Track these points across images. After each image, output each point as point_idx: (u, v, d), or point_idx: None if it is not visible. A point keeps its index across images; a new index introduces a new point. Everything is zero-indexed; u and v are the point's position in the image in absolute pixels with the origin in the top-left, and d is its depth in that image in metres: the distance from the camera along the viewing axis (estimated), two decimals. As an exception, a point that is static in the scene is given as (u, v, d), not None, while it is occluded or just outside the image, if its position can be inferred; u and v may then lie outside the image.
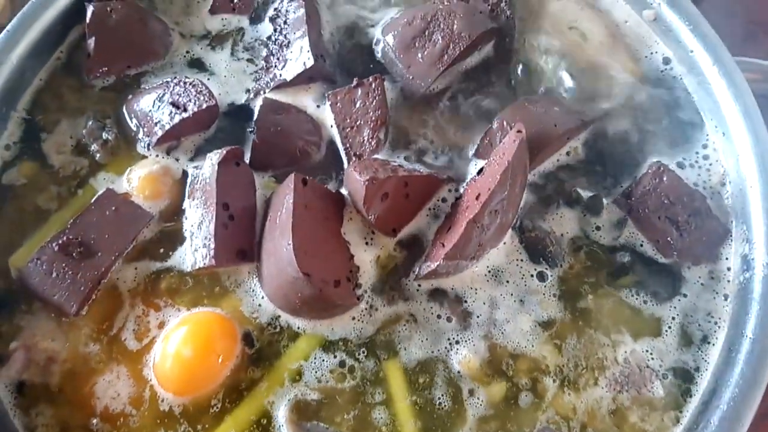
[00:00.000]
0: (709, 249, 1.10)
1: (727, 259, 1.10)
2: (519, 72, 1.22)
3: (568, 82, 1.20)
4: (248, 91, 1.22)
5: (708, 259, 1.10)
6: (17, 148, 1.19)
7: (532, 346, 1.06)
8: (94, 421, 1.02)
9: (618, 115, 1.19)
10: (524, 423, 1.02)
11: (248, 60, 1.26)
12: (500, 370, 1.05)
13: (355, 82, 1.17)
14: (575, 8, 1.25)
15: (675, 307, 1.08)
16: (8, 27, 1.19)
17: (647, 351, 1.06)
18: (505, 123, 1.12)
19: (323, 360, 1.05)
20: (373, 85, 1.16)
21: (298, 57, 1.20)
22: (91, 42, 1.21)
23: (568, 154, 1.17)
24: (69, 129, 1.20)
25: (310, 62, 1.18)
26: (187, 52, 1.27)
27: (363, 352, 1.05)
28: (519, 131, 1.05)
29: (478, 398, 1.03)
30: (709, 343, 1.06)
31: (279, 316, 1.07)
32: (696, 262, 1.10)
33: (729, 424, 0.97)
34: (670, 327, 1.07)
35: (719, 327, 1.07)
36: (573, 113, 1.16)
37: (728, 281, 1.09)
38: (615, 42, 1.23)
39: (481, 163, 1.14)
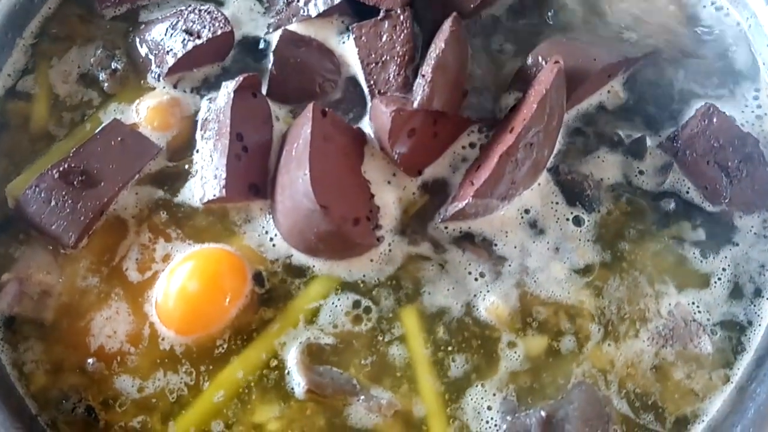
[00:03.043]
0: (761, 197, 1.02)
1: (782, 208, 1.02)
2: (556, 10, 1.14)
3: (609, 22, 1.13)
4: (268, 25, 1.15)
5: (761, 207, 1.02)
6: (22, 76, 1.12)
7: (568, 293, 0.98)
8: (90, 360, 0.94)
9: (663, 56, 1.11)
10: (558, 375, 0.94)
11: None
12: (531, 318, 0.96)
13: (382, 15, 1.09)
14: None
15: (726, 257, 1.00)
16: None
17: (693, 303, 0.97)
18: (540, 58, 1.05)
19: (339, 303, 0.97)
20: (401, 18, 1.09)
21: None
22: (103, -31, 1.15)
23: (609, 95, 1.09)
24: (77, 58, 1.13)
25: None
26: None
27: (382, 296, 0.97)
28: (557, 62, 0.98)
29: (508, 348, 0.95)
30: (762, 296, 0.98)
31: (292, 255, 0.99)
32: (748, 210, 1.02)
33: (785, 380, 0.88)
34: (719, 279, 0.98)
35: (774, 280, 0.98)
36: (614, 50, 1.08)
37: (784, 232, 1.00)
38: (661, -18, 1.16)
39: (514, 102, 1.06)
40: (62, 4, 1.18)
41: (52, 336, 0.97)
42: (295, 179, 0.96)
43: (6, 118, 1.09)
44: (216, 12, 1.10)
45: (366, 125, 1.08)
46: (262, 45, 1.14)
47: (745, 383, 0.92)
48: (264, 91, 1.09)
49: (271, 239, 1.01)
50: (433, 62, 1.01)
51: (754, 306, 0.97)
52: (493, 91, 1.11)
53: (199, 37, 1.08)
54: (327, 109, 1.01)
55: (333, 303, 0.97)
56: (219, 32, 1.08)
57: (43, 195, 0.99)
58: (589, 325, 0.96)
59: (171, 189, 1.05)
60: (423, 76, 1.02)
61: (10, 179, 1.04)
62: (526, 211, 1.02)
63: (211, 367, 0.94)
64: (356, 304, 0.97)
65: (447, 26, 1.05)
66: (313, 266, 0.99)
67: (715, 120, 1.02)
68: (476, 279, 0.98)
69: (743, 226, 1.01)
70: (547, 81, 0.97)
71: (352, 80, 1.12)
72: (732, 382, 0.93)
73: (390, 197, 1.03)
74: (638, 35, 1.14)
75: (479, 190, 0.96)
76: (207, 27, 1.09)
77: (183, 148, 1.07)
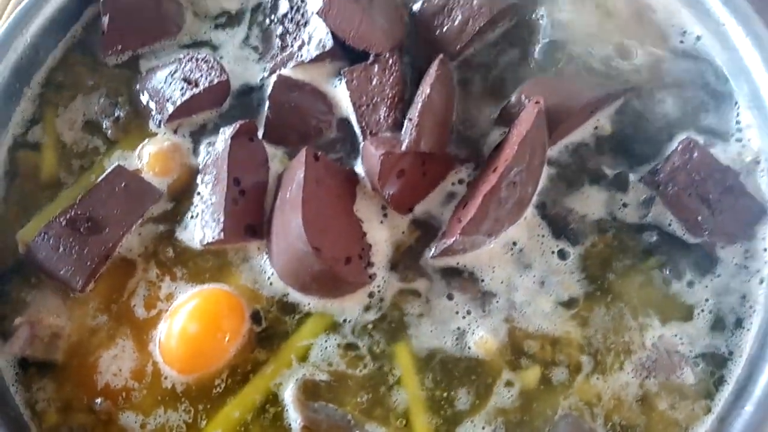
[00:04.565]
0: (743, 228, 1.04)
1: (763, 239, 1.04)
2: (540, 47, 1.17)
3: (592, 57, 1.15)
4: (264, 69, 1.20)
5: (743, 238, 1.04)
6: (30, 125, 1.17)
7: (554, 325, 1.00)
8: (98, 400, 0.99)
9: (645, 91, 1.14)
10: (545, 408, 0.97)
11: (263, 39, 1.23)
12: (519, 353, 0.99)
13: (371, 59, 1.13)
14: (601, -18, 1.21)
15: (707, 288, 1.02)
16: (23, 4, 1.18)
17: (676, 335, 0.99)
18: (523, 96, 1.08)
19: (333, 340, 1.01)
20: (390, 62, 1.13)
21: (317, 37, 1.17)
22: (106, 20, 1.20)
23: (595, 129, 1.12)
24: (82, 106, 1.19)
25: (330, 44, 1.15)
26: (201, 31, 1.25)
27: (374, 333, 1.01)
28: (537, 102, 1.02)
29: (497, 382, 0.98)
30: (743, 327, 1.00)
31: (288, 294, 1.03)
32: (730, 241, 1.04)
33: (764, 412, 0.90)
34: (702, 310, 1.01)
35: (754, 311, 1.00)
36: (596, 86, 1.11)
37: (765, 262, 1.02)
38: (641, 17, 1.18)
39: (500, 138, 1.10)
40: (67, 53, 1.23)
41: (62, 375, 1.01)
42: (289, 222, 1.00)
43: (16, 166, 1.15)
44: (212, 61, 1.15)
45: (359, 164, 1.12)
46: (258, 90, 1.18)
47: (725, 414, 0.94)
48: (260, 134, 1.13)
49: (268, 278, 1.05)
50: (419, 106, 1.05)
51: (735, 337, 0.99)
52: (481, 128, 1.14)
53: (196, 85, 1.13)
54: (319, 153, 1.05)
55: (327, 341, 1.01)
56: (216, 81, 1.13)
57: (51, 242, 1.04)
58: (578, 358, 0.99)
59: (172, 231, 1.09)
60: (410, 119, 1.05)
61: (21, 225, 1.10)
62: (514, 244, 1.05)
63: (208, 407, 0.98)
64: (350, 342, 1.01)
65: (433, 70, 1.08)
66: (309, 304, 1.03)
67: (695, 154, 1.05)
68: (465, 315, 1.02)
69: (725, 257, 1.04)
70: (528, 121, 1.01)
71: (346, 121, 1.16)
72: (713, 413, 0.95)
73: (382, 235, 1.07)
74: (623, 68, 1.16)
75: (466, 228, 1.00)
76: (204, 76, 1.14)
77: (184, 190, 1.12)
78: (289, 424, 0.96)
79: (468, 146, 1.13)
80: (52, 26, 1.21)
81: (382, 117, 1.12)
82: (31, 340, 1.03)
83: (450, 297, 1.03)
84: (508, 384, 0.98)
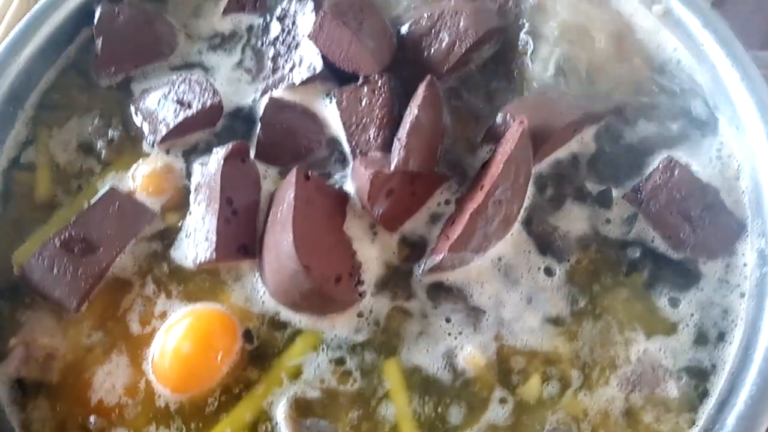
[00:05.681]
0: (724, 244, 1.07)
1: (743, 254, 1.06)
2: (526, 68, 1.20)
3: (576, 78, 1.18)
4: (256, 90, 1.22)
5: (724, 254, 1.06)
6: (24, 147, 1.19)
7: (542, 341, 1.02)
8: (92, 419, 1.00)
9: (628, 110, 1.17)
10: (534, 423, 0.98)
11: (256, 61, 1.26)
12: (507, 368, 1.01)
13: (361, 81, 1.16)
14: (584, 6, 1.23)
15: (690, 303, 1.04)
16: (17, 28, 1.21)
17: (661, 349, 1.01)
18: (508, 116, 1.11)
19: (323, 357, 1.02)
20: (379, 83, 1.15)
21: (307, 60, 1.19)
22: (99, 42, 1.22)
23: (578, 148, 1.15)
24: (76, 127, 1.21)
25: (320, 67, 1.17)
26: (193, 53, 1.27)
27: (365, 350, 1.03)
28: (521, 122, 1.04)
29: (488, 398, 1.00)
30: (725, 341, 1.02)
31: (280, 312, 1.05)
32: (712, 256, 1.06)
33: (746, 424, 0.92)
34: (686, 324, 1.03)
35: (736, 325, 1.02)
36: (578, 106, 1.13)
37: (745, 277, 1.05)
38: (624, 38, 1.21)
39: (488, 155, 1.12)
40: (61, 75, 1.26)
41: (57, 395, 1.02)
42: (280, 241, 1.02)
43: (10, 188, 1.16)
44: (205, 83, 1.17)
45: (349, 182, 1.14)
46: (250, 111, 1.20)
47: (708, 426, 0.96)
48: (253, 154, 1.16)
49: (260, 296, 1.06)
50: (407, 127, 1.07)
51: (718, 351, 1.01)
52: (468, 146, 1.17)
53: (189, 107, 1.15)
54: (310, 173, 1.07)
55: (318, 358, 1.02)
56: (209, 103, 1.15)
57: (46, 263, 1.05)
58: (566, 373, 1.01)
59: (166, 250, 1.10)
60: (399, 140, 1.08)
61: (16, 246, 1.11)
62: (500, 260, 1.07)
63: (201, 425, 0.99)
64: (340, 359, 1.02)
65: (421, 91, 1.11)
66: (300, 321, 1.05)
67: (676, 172, 1.08)
68: (454, 331, 1.03)
69: (707, 272, 1.06)
70: (512, 141, 1.03)
71: (336, 140, 1.18)
72: (697, 426, 0.97)
73: (372, 253, 1.09)
74: (606, 88, 1.19)
75: (454, 245, 1.02)
76: (197, 98, 1.16)
77: (177, 210, 1.13)
78: (281, 442, 0.98)
79: (456, 164, 1.15)
80: (47, 49, 1.23)
81: (371, 137, 1.15)
82: (26, 360, 1.04)
83: (439, 314, 1.05)
84: (501, 401, 0.99)
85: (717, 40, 1.15)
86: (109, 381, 1.02)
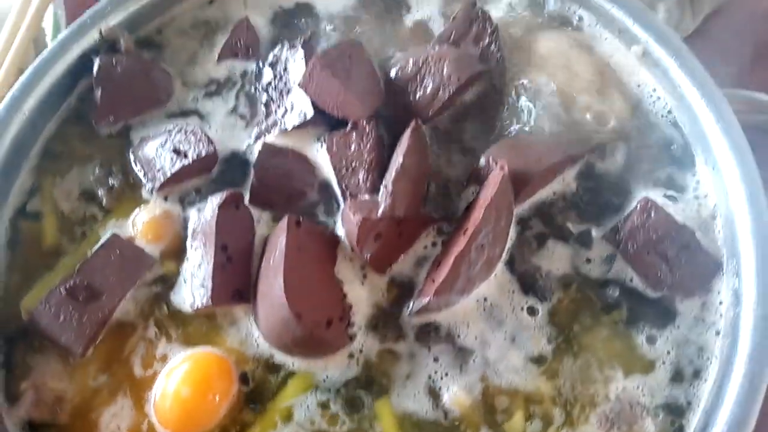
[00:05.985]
0: (700, 283, 1.10)
1: (719, 293, 1.10)
2: (509, 111, 1.24)
3: (557, 119, 1.22)
4: (250, 135, 1.27)
5: (700, 292, 1.10)
6: (29, 196, 1.25)
7: (525, 380, 1.07)
8: (98, 459, 1.06)
9: (608, 150, 1.20)
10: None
11: (249, 107, 1.30)
12: (492, 407, 1.06)
13: (350, 126, 1.20)
14: (564, 48, 1.27)
15: (667, 340, 1.08)
16: (20, 81, 1.26)
17: (638, 387, 1.05)
18: (491, 160, 1.15)
19: (314, 399, 1.07)
20: (368, 129, 1.19)
21: (298, 106, 1.24)
22: (98, 92, 1.27)
23: (560, 187, 1.19)
24: (78, 176, 1.26)
25: (310, 113, 1.21)
26: (189, 99, 1.32)
27: (356, 391, 1.07)
28: (502, 168, 1.08)
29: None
30: (700, 378, 1.06)
31: (274, 355, 1.10)
32: (688, 294, 1.10)
33: (719, 462, 0.96)
34: (663, 362, 1.07)
35: (710, 363, 1.06)
36: (558, 149, 1.17)
37: (720, 315, 1.08)
38: (604, 79, 1.25)
39: (473, 195, 1.17)
40: (62, 125, 1.30)
41: (65, 436, 1.08)
42: (272, 288, 1.06)
43: (17, 236, 1.21)
44: (200, 133, 1.21)
45: (340, 225, 1.19)
46: (244, 156, 1.25)
47: (684, 464, 1.01)
48: (247, 199, 1.20)
49: (255, 339, 1.11)
50: (393, 174, 1.12)
51: (693, 388, 1.05)
52: (455, 187, 1.21)
53: (185, 156, 1.20)
54: (301, 219, 1.12)
55: (308, 400, 1.07)
56: (204, 153, 1.20)
57: (52, 310, 1.10)
58: (548, 411, 1.05)
59: (165, 294, 1.15)
60: (385, 186, 1.12)
61: (24, 293, 1.17)
62: (485, 300, 1.11)
63: (200, 468, 1.05)
64: (330, 400, 1.06)
65: (406, 138, 1.15)
66: (293, 364, 1.09)
67: (653, 214, 1.11)
68: (441, 372, 1.08)
69: (684, 310, 1.10)
70: (494, 186, 1.07)
71: (327, 183, 1.22)
72: (673, 462, 1.02)
73: (362, 294, 1.13)
74: (588, 128, 1.22)
75: (439, 288, 1.06)
76: (192, 147, 1.20)
77: (175, 255, 1.18)
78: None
79: (443, 205, 1.19)
80: (48, 100, 1.28)
81: (360, 180, 1.19)
82: (36, 403, 1.10)
83: (428, 354, 1.09)
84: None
85: (692, 81, 1.18)
86: (114, 422, 1.08)
